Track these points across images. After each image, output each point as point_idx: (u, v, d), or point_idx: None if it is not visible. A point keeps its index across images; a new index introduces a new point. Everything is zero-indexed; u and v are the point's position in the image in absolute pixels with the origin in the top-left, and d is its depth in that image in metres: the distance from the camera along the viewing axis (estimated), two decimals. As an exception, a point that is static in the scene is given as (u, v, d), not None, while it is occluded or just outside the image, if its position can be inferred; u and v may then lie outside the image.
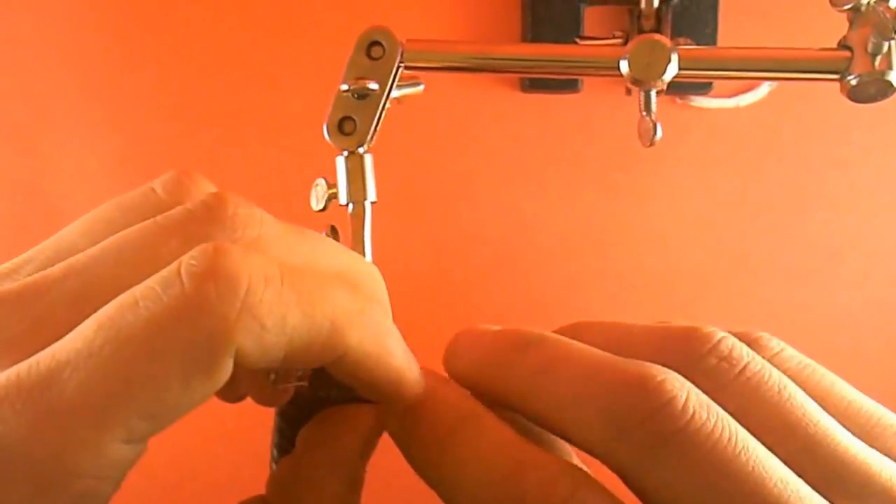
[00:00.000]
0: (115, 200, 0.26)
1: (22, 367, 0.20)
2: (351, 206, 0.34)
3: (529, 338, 0.26)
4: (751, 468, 0.22)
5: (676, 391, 0.22)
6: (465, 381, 0.28)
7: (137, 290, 0.21)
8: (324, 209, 0.34)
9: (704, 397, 0.23)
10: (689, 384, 0.23)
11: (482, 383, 0.27)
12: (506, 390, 0.26)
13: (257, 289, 0.21)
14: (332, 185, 0.34)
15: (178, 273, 0.21)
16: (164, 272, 0.21)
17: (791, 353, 0.27)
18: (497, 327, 0.29)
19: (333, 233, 0.33)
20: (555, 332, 0.29)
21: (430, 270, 0.64)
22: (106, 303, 0.21)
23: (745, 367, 0.24)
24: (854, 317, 0.67)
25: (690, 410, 0.22)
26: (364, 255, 0.33)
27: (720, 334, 0.25)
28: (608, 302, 0.66)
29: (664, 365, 0.24)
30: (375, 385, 0.25)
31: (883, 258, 0.66)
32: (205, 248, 0.21)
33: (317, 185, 0.35)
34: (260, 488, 0.29)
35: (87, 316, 0.21)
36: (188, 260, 0.21)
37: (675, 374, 0.23)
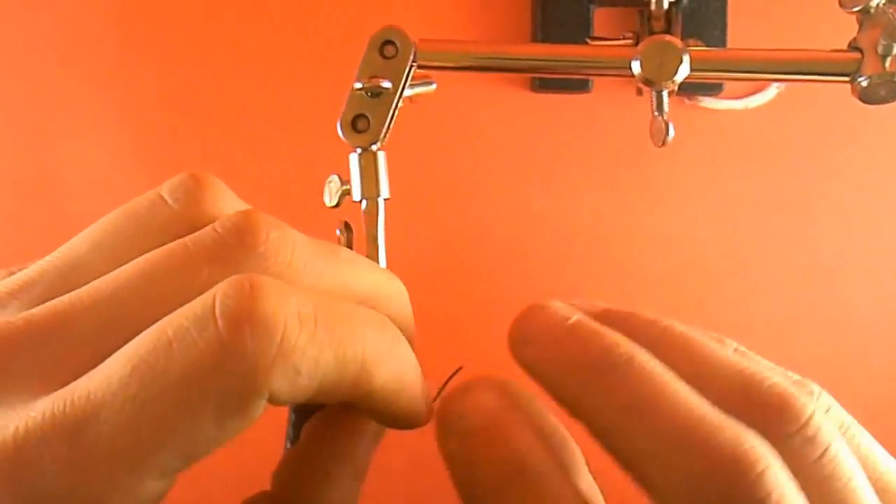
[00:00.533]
0: (123, 209, 0.26)
1: (57, 405, 0.20)
2: (364, 202, 0.33)
3: (614, 359, 0.25)
4: None
5: (773, 487, 0.22)
6: (534, 374, 0.27)
7: (170, 329, 0.21)
8: (337, 205, 0.34)
9: (796, 496, 0.23)
10: (787, 481, 0.22)
11: (555, 392, 0.26)
12: (584, 415, 0.25)
13: (292, 333, 0.21)
14: (345, 181, 0.34)
15: (213, 312, 0.20)
16: (198, 308, 0.21)
17: (836, 414, 0.26)
18: (573, 314, 0.28)
19: (347, 229, 0.33)
20: (607, 314, 0.29)
21: (441, 265, 0.64)
22: (136, 334, 0.21)
23: (825, 451, 0.24)
24: (861, 317, 0.66)
25: None
26: (378, 250, 0.33)
27: (809, 410, 0.24)
28: (615, 299, 0.65)
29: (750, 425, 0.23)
30: (388, 418, 0.26)
31: (889, 258, 0.66)
32: (241, 285, 0.21)
33: (330, 181, 0.34)
34: (265, 481, 0.29)
35: (117, 346, 0.21)
36: (223, 298, 0.21)
37: (776, 467, 0.23)
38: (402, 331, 0.26)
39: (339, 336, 0.22)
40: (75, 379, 0.21)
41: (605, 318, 0.30)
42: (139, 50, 0.63)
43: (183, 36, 0.63)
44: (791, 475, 0.23)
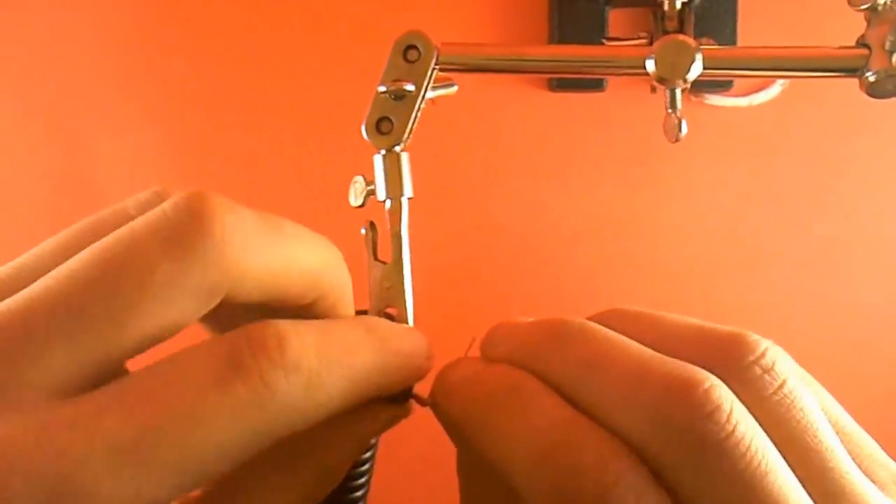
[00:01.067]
0: (89, 218, 0.25)
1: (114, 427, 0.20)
2: (389, 202, 0.33)
3: (571, 328, 0.26)
4: (777, 488, 0.22)
5: (722, 401, 0.22)
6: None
7: (196, 378, 0.21)
8: (362, 205, 0.34)
9: (746, 412, 0.23)
10: (733, 396, 0.23)
11: (527, 362, 0.27)
12: (546, 380, 0.26)
13: (315, 371, 0.22)
14: (369, 181, 0.34)
15: (254, 354, 0.21)
16: (234, 354, 0.21)
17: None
18: (532, 319, 0.28)
19: (372, 228, 0.33)
20: (587, 319, 0.29)
21: (458, 260, 0.64)
22: (99, 341, 0.21)
23: (783, 383, 0.24)
24: (864, 308, 0.66)
25: (733, 422, 0.22)
26: (402, 247, 0.33)
27: (765, 344, 0.24)
28: (625, 291, 0.66)
29: (706, 368, 0.23)
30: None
31: (890, 251, 0.66)
32: (263, 343, 0.21)
33: (355, 181, 0.34)
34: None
35: (82, 349, 0.21)
36: (248, 349, 0.21)
37: (721, 383, 0.23)
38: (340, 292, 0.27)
39: (347, 364, 0.24)
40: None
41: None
42: (169, 52, 0.63)
43: (212, 38, 0.63)
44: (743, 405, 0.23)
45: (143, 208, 0.24)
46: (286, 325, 0.22)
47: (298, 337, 0.22)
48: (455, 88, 0.35)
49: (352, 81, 0.58)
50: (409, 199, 0.33)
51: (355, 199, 0.34)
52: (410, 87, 0.33)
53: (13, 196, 0.64)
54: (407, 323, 0.32)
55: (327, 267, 0.26)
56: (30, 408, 0.20)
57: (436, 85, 0.34)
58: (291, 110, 0.63)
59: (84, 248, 0.22)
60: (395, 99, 0.34)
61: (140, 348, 0.22)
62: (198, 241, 0.22)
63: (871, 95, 0.35)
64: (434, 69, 0.34)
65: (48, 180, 0.64)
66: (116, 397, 0.20)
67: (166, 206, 0.22)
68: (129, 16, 0.63)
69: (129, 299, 0.21)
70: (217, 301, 0.22)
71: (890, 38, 0.34)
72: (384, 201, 0.33)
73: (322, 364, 0.22)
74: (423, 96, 0.34)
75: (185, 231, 0.22)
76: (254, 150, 0.63)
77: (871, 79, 0.35)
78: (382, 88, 0.33)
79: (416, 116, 0.34)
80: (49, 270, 0.22)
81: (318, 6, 0.62)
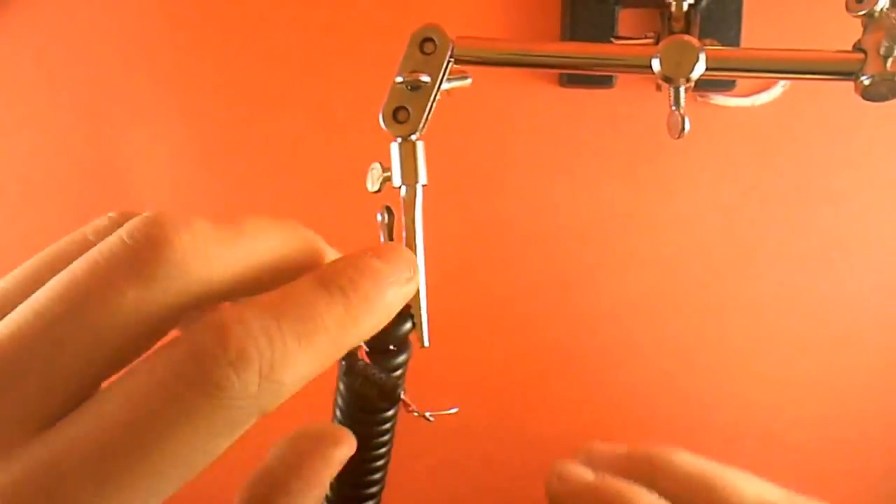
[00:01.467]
0: (50, 248, 0.25)
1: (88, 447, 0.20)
2: (404, 188, 0.34)
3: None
4: None
5: None
6: None
7: (152, 395, 0.20)
8: (379, 191, 0.35)
9: None
10: None
11: None
12: None
13: (267, 354, 0.21)
14: (386, 168, 0.35)
15: (196, 359, 0.21)
16: (178, 364, 0.21)
17: None
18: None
19: (388, 213, 0.34)
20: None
21: (463, 250, 0.65)
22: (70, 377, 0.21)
23: None
24: (860, 303, 0.66)
25: None
26: (415, 232, 0.34)
27: None
28: (629, 284, 0.66)
29: None
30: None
31: (887, 250, 0.66)
32: (203, 347, 0.21)
33: (373, 168, 0.35)
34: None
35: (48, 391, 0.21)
36: (191, 356, 0.21)
37: None
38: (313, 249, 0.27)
39: (305, 335, 0.23)
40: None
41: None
42: (197, 49, 0.64)
43: (237, 33, 0.63)
44: None
45: (102, 235, 0.24)
46: (228, 315, 0.22)
47: (241, 325, 0.21)
48: (469, 81, 0.36)
49: (371, 76, 0.59)
50: (423, 186, 0.34)
51: (372, 184, 0.35)
52: (426, 79, 0.34)
53: (43, 188, 0.65)
54: (419, 306, 0.33)
55: (294, 250, 0.26)
56: (12, 450, 0.20)
57: (451, 77, 0.35)
58: (314, 103, 0.64)
59: (48, 279, 0.22)
60: (411, 89, 0.35)
61: (116, 368, 0.22)
62: (160, 264, 0.21)
63: (866, 98, 0.36)
64: (449, 61, 0.35)
65: (77, 172, 0.65)
66: (85, 428, 0.20)
67: (123, 233, 0.22)
68: (158, 9, 0.63)
69: (99, 330, 0.21)
70: (185, 310, 0.23)
71: (885, 43, 0.35)
72: (400, 188, 0.34)
73: (275, 346, 0.22)
74: (439, 87, 0.35)
75: (146, 258, 0.21)
76: (278, 140, 0.64)
77: (866, 82, 0.36)
78: (399, 79, 0.34)
79: (431, 106, 0.35)
80: (15, 306, 0.22)
81: (340, 5, 0.63)
